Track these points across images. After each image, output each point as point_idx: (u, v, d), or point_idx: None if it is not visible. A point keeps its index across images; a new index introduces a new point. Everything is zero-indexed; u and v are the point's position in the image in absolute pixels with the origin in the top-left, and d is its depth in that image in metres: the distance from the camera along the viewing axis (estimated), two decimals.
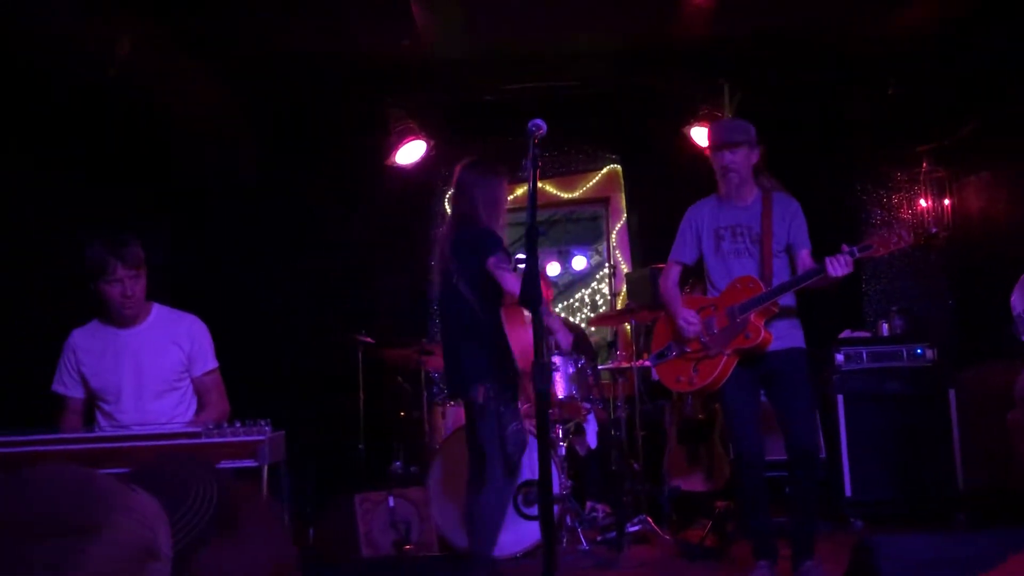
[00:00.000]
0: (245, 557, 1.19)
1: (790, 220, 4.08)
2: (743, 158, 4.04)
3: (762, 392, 4.12)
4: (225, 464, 2.99)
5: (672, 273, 4.22)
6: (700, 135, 6.25)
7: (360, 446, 5.83)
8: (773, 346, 3.96)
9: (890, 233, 3.83)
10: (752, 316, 3.92)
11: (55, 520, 0.93)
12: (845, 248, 3.78)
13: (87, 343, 3.57)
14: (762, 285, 3.95)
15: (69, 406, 3.55)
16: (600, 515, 5.28)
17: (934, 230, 3.95)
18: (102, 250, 3.40)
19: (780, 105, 6.22)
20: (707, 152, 4.22)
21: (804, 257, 4.05)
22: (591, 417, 5.59)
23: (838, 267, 3.74)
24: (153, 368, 3.54)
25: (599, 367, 5.98)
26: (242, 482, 1.37)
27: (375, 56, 5.87)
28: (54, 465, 1.03)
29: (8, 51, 4.29)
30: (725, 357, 3.96)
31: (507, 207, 4.17)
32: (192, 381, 3.63)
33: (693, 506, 5.59)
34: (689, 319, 4.05)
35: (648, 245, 6.92)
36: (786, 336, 3.99)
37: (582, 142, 7.34)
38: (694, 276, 4.54)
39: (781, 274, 4.01)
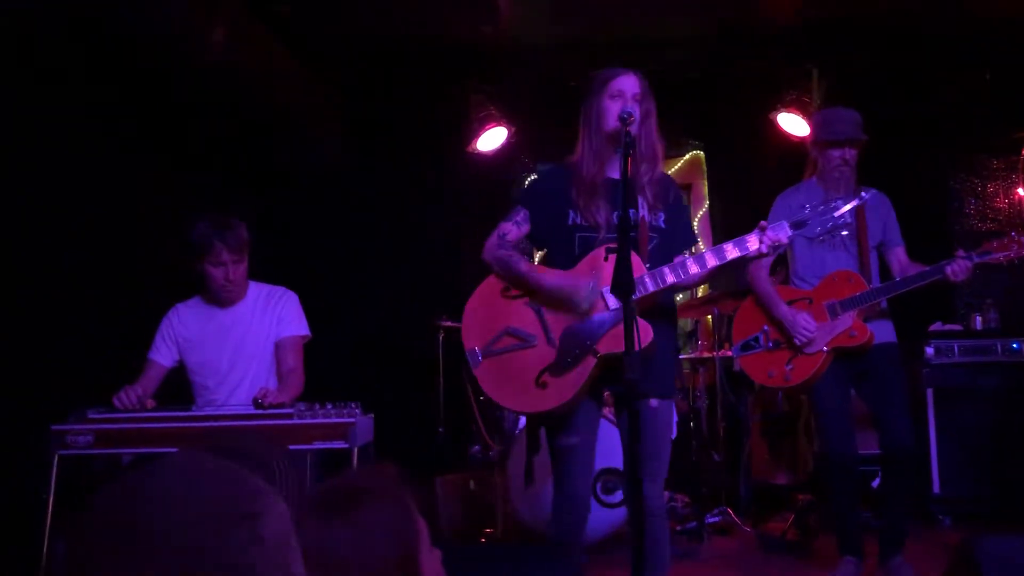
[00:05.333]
0: (363, 539, 1.15)
1: (885, 218, 4.00)
2: (857, 152, 3.95)
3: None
4: (316, 445, 3.06)
5: (765, 261, 4.04)
6: (787, 121, 6.12)
7: (440, 429, 5.89)
8: None
9: (1010, 240, 3.66)
10: (855, 313, 3.83)
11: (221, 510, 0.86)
12: (962, 253, 3.65)
13: (189, 318, 3.67)
14: (864, 282, 3.86)
15: (152, 370, 3.60)
16: (679, 505, 5.24)
17: None
18: (209, 231, 3.45)
19: (871, 91, 6.04)
20: (808, 140, 4.13)
21: (900, 255, 3.96)
22: None
23: (960, 274, 3.62)
24: (253, 345, 3.64)
25: (679, 356, 5.92)
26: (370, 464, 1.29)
27: (459, 42, 5.89)
28: (186, 455, 0.95)
29: (106, 41, 4.42)
30: (824, 353, 3.86)
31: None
32: (275, 345, 3.67)
33: (774, 498, 5.52)
34: (808, 327, 3.84)
35: (730, 233, 6.79)
36: (880, 332, 3.90)
37: (664, 128, 7.22)
38: (780, 265, 4.45)
39: (875, 271, 3.94)
